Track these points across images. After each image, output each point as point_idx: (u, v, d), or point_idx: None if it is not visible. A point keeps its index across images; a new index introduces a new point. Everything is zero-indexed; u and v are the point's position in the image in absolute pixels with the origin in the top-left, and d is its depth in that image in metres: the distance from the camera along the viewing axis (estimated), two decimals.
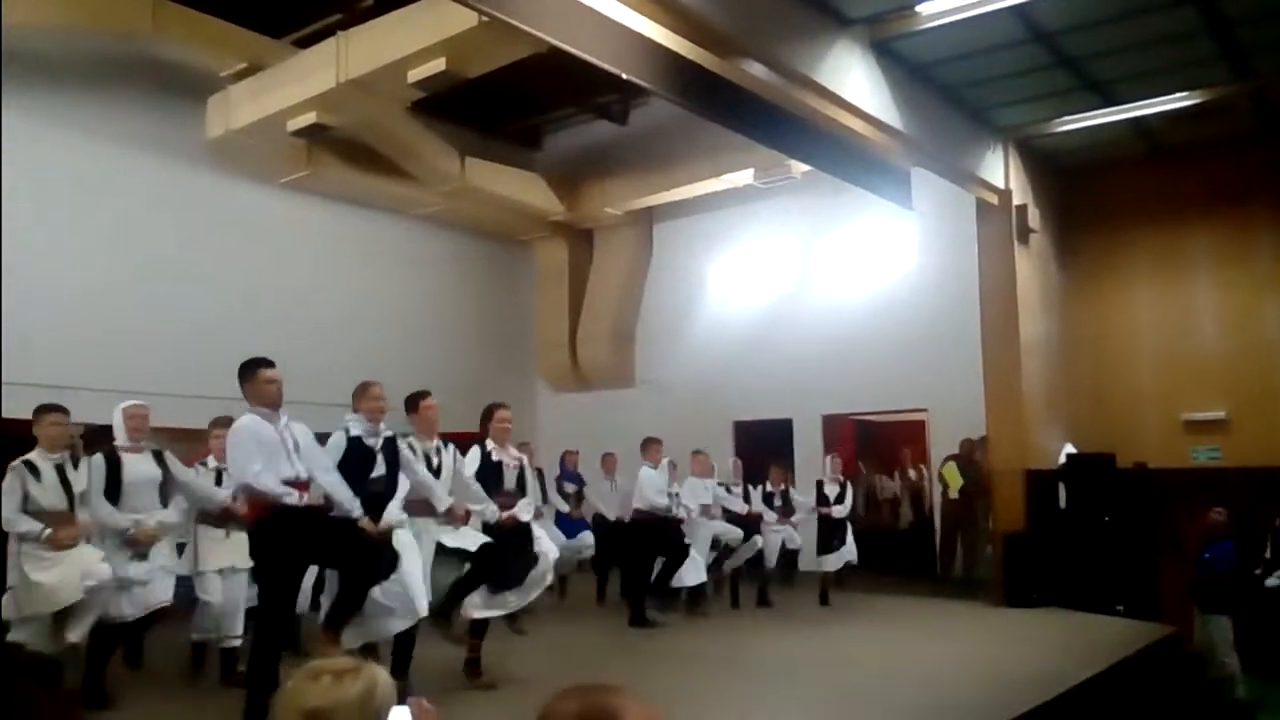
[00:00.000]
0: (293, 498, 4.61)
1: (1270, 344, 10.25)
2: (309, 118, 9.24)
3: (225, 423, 6.23)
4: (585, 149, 13.44)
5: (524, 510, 6.01)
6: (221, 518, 5.93)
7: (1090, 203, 11.19)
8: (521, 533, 5.93)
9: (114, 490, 5.28)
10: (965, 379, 10.23)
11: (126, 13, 8.91)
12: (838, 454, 10.36)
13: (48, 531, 5.01)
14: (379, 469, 5.20)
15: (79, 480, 5.25)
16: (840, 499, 9.61)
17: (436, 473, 5.62)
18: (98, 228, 9.62)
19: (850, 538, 9.61)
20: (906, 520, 12.50)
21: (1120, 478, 9.55)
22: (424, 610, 5.17)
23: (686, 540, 8.49)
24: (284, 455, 4.67)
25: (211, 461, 6.19)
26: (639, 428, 9.41)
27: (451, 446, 5.86)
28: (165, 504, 5.52)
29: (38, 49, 9.06)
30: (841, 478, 9.81)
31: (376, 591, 4.98)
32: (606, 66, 6.27)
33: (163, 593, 5.41)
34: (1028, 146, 10.61)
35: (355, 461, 5.09)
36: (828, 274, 12.37)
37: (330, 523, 4.85)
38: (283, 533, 4.61)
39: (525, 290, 14.20)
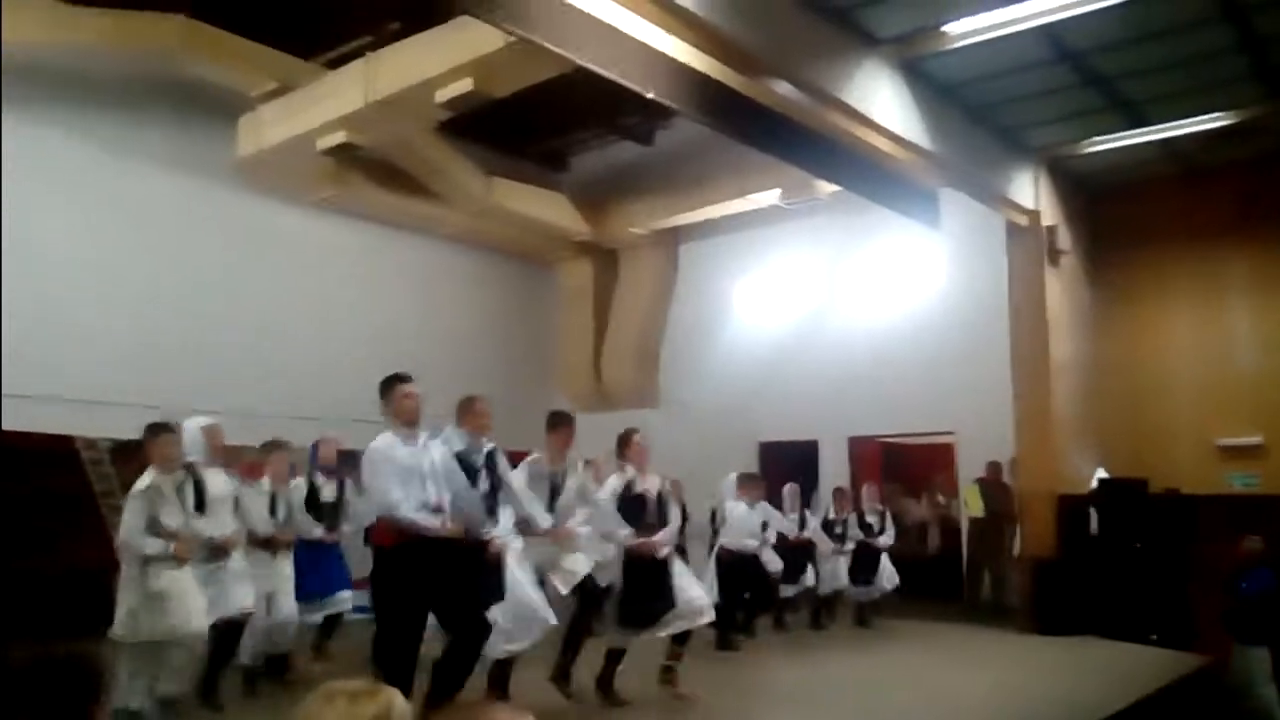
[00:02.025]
0: (433, 529, 4.47)
1: None
2: (338, 137, 9.32)
3: (278, 446, 6.51)
4: (611, 169, 13.48)
5: (663, 542, 5.79)
6: (268, 542, 6.17)
7: (1123, 223, 11.04)
8: (658, 568, 5.72)
9: (199, 507, 5.52)
10: (994, 402, 10.10)
11: (159, 33, 9.03)
12: (874, 482, 10.31)
13: (171, 547, 5.09)
14: (483, 485, 5.05)
15: (189, 498, 5.41)
16: (883, 529, 9.62)
17: (555, 494, 5.54)
18: (129, 245, 9.74)
19: (886, 564, 9.65)
20: (934, 545, 12.32)
21: (1153, 503, 9.37)
22: (550, 620, 5.17)
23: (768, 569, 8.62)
24: (420, 478, 4.53)
25: (266, 484, 6.30)
26: (663, 449, 9.31)
27: (581, 467, 5.79)
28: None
29: (72, 67, 9.22)
30: (880, 506, 9.75)
31: (494, 611, 4.90)
32: (632, 87, 6.28)
33: (245, 598, 5.66)
34: (1058, 167, 10.51)
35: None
36: (854, 295, 12.28)
37: (460, 567, 4.60)
38: (413, 564, 4.44)
39: (549, 310, 14.22)
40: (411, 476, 4.48)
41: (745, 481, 8.33)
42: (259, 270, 10.71)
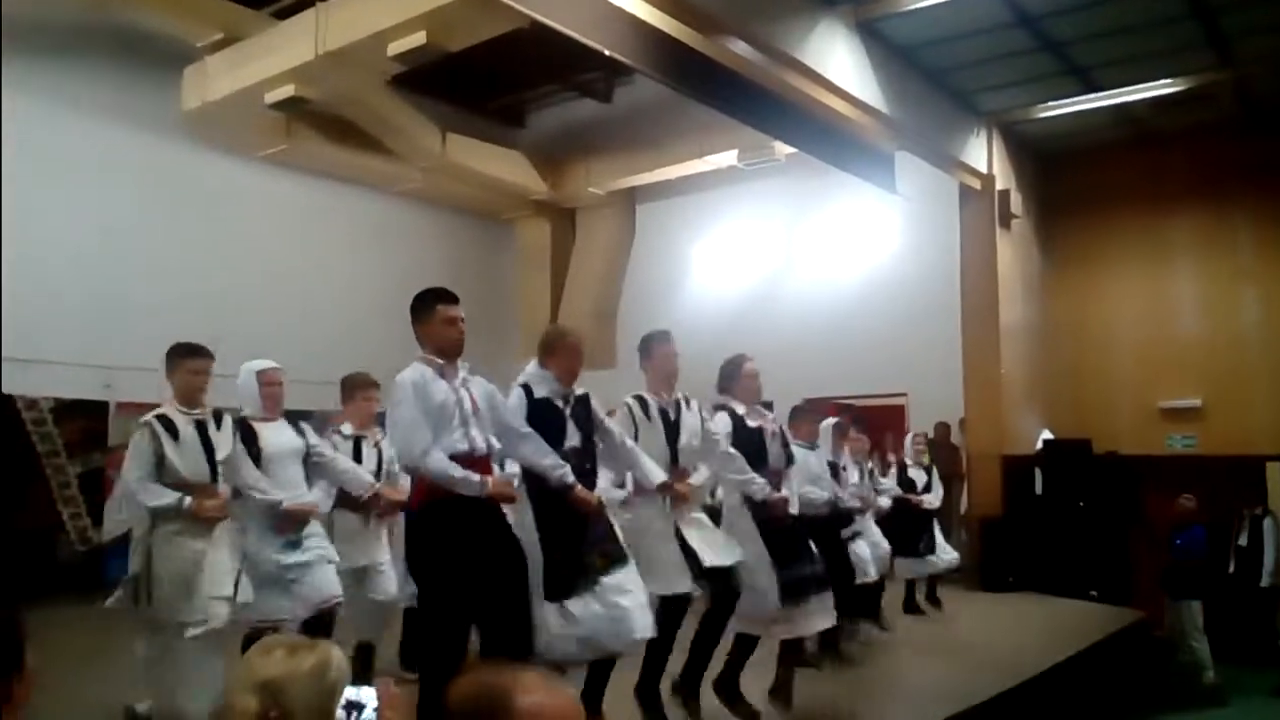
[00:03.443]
0: (472, 487, 3.51)
1: (1247, 332, 10.34)
2: (287, 90, 9.08)
3: (366, 383, 5.26)
4: (569, 127, 13.32)
5: (794, 499, 4.72)
6: (363, 504, 4.97)
7: (1073, 188, 11.21)
8: (794, 529, 4.70)
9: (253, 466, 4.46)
10: (945, 363, 10.26)
11: None
12: (916, 434, 8.68)
13: (188, 500, 3.98)
14: (572, 438, 3.98)
15: (223, 443, 4.21)
16: (929, 486, 7.94)
17: (675, 434, 4.38)
18: (69, 200, 9.45)
19: (940, 536, 7.93)
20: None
21: (1096, 464, 9.61)
22: (646, 632, 3.85)
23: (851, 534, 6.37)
24: (456, 421, 3.59)
25: (348, 428, 5.18)
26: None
27: (695, 403, 4.61)
28: (308, 483, 4.63)
29: (6, 14, 8.85)
30: (925, 460, 8.14)
31: (579, 605, 3.74)
32: (590, 43, 6.21)
33: (330, 585, 4.49)
34: (1011, 131, 10.61)
35: (540, 429, 3.89)
36: (810, 257, 12.35)
37: (507, 544, 3.69)
38: (451, 524, 3.53)
39: (507, 269, 14.11)
40: (447, 418, 3.56)
41: (799, 416, 6.21)
42: (206, 227, 10.46)
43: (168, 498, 3.97)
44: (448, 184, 12.28)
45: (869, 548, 6.57)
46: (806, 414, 6.31)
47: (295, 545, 4.43)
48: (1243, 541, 9.01)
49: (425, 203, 12.82)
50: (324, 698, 1.56)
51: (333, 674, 1.58)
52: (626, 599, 3.77)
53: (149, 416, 4.10)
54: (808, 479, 5.58)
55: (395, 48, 8.30)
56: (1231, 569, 9.01)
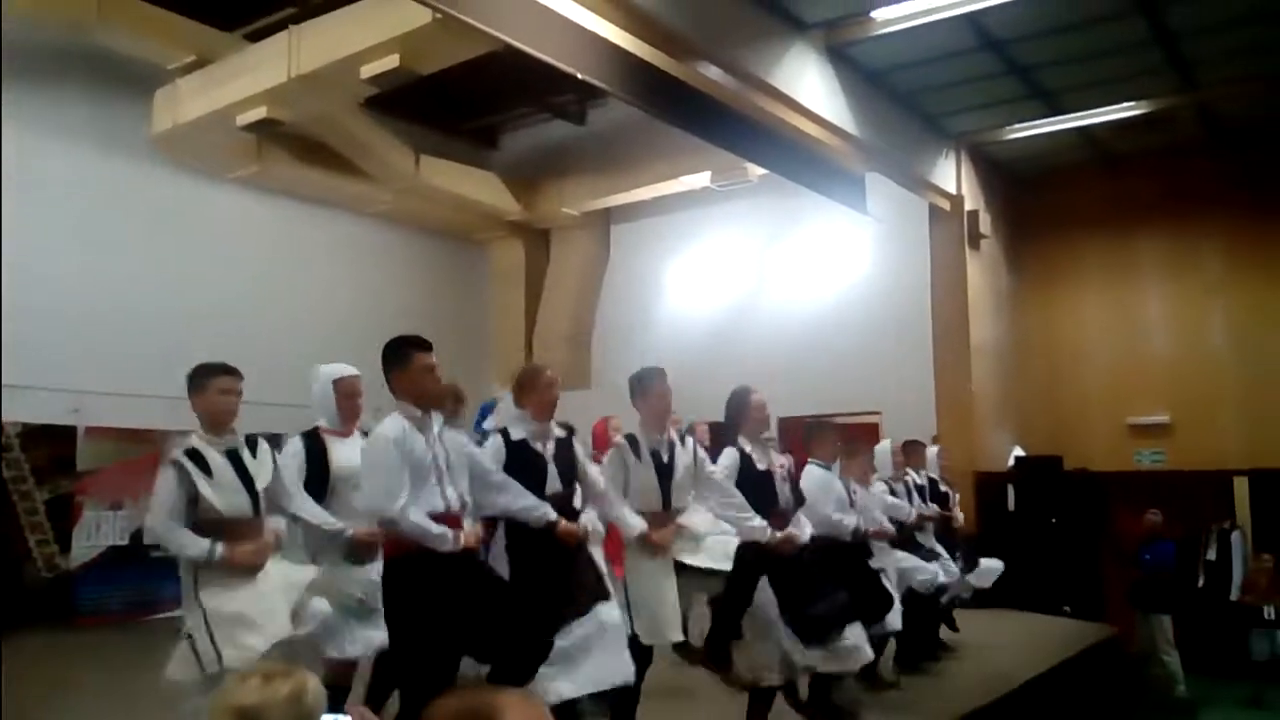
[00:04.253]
0: (446, 542, 3.48)
1: (1214, 349, 10.52)
2: (259, 112, 9.06)
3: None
4: (542, 149, 13.37)
5: (803, 529, 4.52)
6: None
7: (1041, 209, 11.39)
8: (804, 568, 4.46)
9: (319, 486, 4.10)
10: (918, 382, 10.35)
11: (71, 2, 8.67)
12: (943, 448, 8.17)
13: (219, 549, 3.51)
14: (553, 483, 3.91)
15: (261, 471, 3.77)
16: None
17: (668, 474, 4.29)
18: (38, 223, 9.35)
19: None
20: None
21: (1067, 480, 9.71)
22: (675, 636, 3.96)
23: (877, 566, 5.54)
24: (433, 480, 3.54)
25: None
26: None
27: (691, 441, 4.51)
28: None
29: None
30: (948, 475, 7.73)
31: (579, 630, 3.73)
32: (563, 66, 6.25)
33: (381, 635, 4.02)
34: (980, 153, 10.78)
35: (518, 474, 3.83)
36: (783, 277, 12.42)
37: (487, 581, 3.68)
38: (426, 577, 3.49)
39: (481, 290, 14.10)
40: (424, 477, 3.51)
41: (818, 435, 5.66)
42: (177, 250, 10.38)
43: (196, 548, 3.50)
44: (421, 205, 12.28)
45: (894, 591, 5.61)
46: (825, 432, 5.74)
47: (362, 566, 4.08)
48: (1211, 556, 9.14)
49: (398, 224, 12.79)
50: None
51: (309, 701, 1.58)
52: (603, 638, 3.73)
53: (176, 454, 3.63)
54: (835, 505, 5.26)
55: (368, 70, 8.32)
56: (1201, 583, 9.13)
